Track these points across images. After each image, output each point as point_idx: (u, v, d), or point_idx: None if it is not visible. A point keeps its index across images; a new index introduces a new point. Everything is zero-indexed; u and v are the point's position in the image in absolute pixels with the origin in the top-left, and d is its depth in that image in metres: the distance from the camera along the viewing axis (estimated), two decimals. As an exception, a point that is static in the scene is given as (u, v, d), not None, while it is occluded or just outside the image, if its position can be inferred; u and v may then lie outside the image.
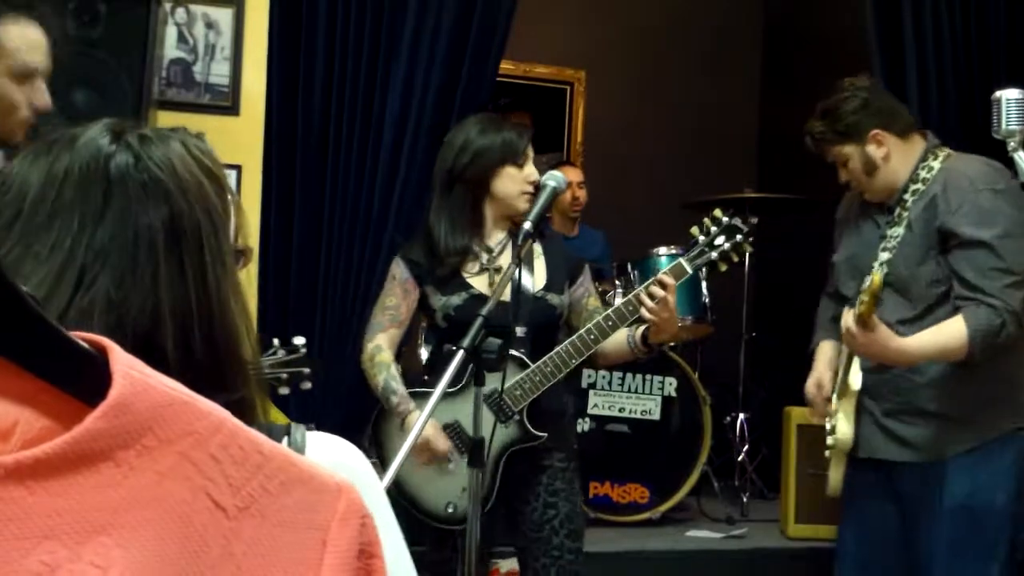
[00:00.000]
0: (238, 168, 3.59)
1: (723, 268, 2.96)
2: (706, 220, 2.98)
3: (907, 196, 2.91)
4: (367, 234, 3.80)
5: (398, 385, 2.87)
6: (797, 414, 4.58)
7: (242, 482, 0.75)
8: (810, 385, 3.12)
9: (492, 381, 2.81)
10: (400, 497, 2.87)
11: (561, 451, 2.94)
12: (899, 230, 2.90)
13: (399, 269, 2.97)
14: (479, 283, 2.91)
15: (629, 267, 4.73)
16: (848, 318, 2.73)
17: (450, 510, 2.86)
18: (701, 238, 2.95)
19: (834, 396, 3.05)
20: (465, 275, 2.92)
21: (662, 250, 4.87)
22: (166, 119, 3.56)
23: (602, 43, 6.73)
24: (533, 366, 2.84)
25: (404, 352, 4.39)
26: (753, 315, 5.43)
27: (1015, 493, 2.88)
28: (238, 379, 0.92)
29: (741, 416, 5.25)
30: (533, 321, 2.90)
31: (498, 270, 2.92)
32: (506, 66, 5.22)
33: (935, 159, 2.92)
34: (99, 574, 0.69)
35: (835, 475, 3.07)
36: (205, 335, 0.89)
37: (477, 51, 3.86)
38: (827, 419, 3.07)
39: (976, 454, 2.86)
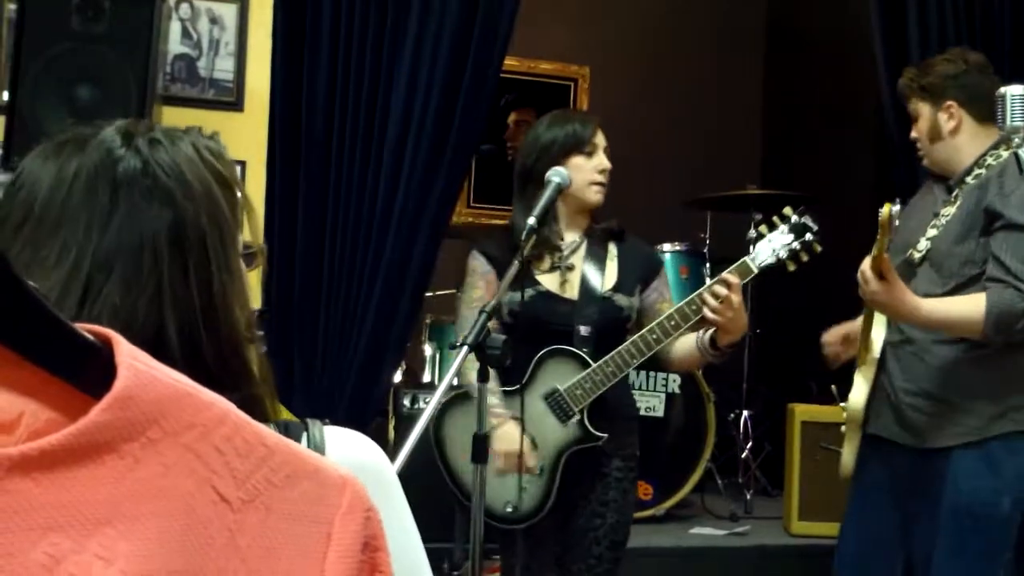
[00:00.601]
0: (242, 164, 3.59)
1: (791, 268, 2.92)
2: (775, 218, 2.94)
3: (969, 179, 2.90)
4: (371, 230, 3.80)
5: (492, 386, 2.74)
6: (801, 411, 4.58)
7: (247, 475, 0.75)
8: (832, 334, 3.17)
9: (553, 380, 2.82)
10: (465, 499, 2.84)
11: (621, 458, 2.92)
12: (951, 210, 2.89)
13: (478, 262, 2.95)
14: (548, 281, 2.91)
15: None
16: (865, 263, 2.71)
17: (508, 509, 2.84)
18: (770, 236, 2.91)
19: (857, 365, 3.05)
20: (536, 272, 2.91)
21: (666, 247, 4.88)
22: (170, 115, 3.56)
23: (606, 39, 6.73)
24: (594, 365, 2.82)
25: (407, 350, 4.40)
26: (757, 312, 5.42)
27: (1022, 501, 2.83)
28: (243, 379, 0.92)
29: (745, 413, 5.25)
30: (598, 321, 2.88)
31: (570, 268, 2.92)
32: (510, 62, 5.21)
33: (1007, 150, 2.87)
34: (104, 566, 0.69)
35: (848, 453, 3.04)
36: (210, 340, 0.90)
37: (481, 47, 3.85)
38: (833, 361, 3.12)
39: (978, 453, 2.81)
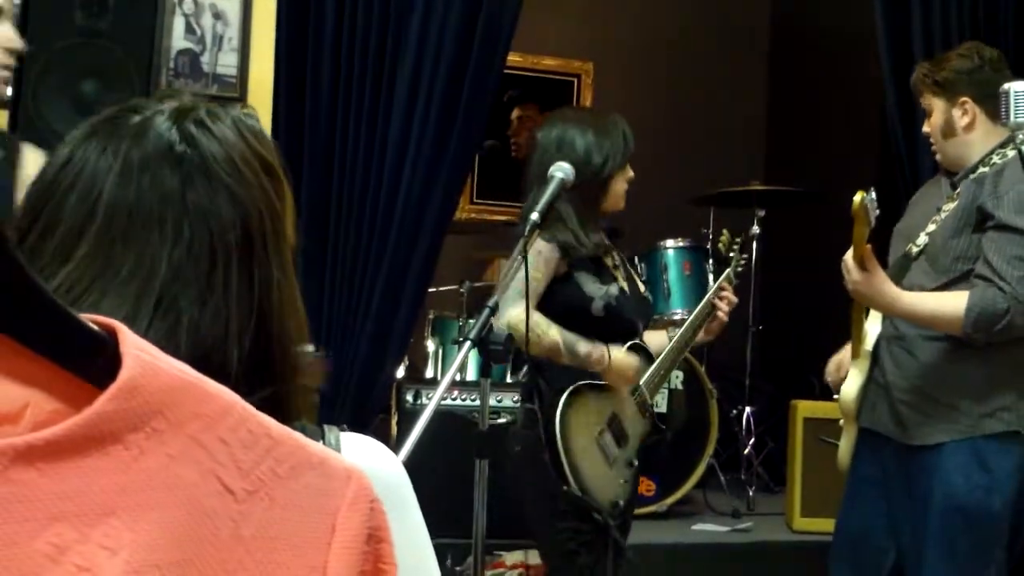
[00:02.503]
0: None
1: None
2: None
3: (972, 177, 2.90)
4: (374, 226, 3.80)
5: (575, 335, 2.80)
6: (804, 408, 4.58)
7: (251, 465, 0.75)
8: (831, 364, 3.15)
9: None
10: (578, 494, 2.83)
11: None
12: (951, 205, 2.90)
13: (548, 247, 2.80)
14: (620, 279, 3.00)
15: (636, 259, 4.73)
16: (848, 253, 2.73)
17: (620, 503, 2.87)
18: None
19: (851, 358, 3.06)
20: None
21: (669, 242, 4.87)
22: (174, 110, 3.56)
23: (610, 35, 6.72)
24: (658, 361, 2.96)
25: (411, 344, 4.41)
26: (760, 308, 5.43)
27: (1014, 500, 2.82)
28: (288, 378, 0.91)
29: (747, 409, 5.25)
30: (646, 318, 3.07)
31: (622, 264, 3.04)
32: (513, 58, 5.22)
33: (1012, 148, 2.84)
34: (108, 556, 0.69)
35: (844, 446, 3.07)
36: (266, 343, 0.88)
37: (484, 43, 3.85)
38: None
39: (968, 451, 2.80)
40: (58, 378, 0.73)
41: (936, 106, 2.95)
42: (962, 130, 2.92)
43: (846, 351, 3.10)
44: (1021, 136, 2.73)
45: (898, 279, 2.86)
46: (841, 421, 3.07)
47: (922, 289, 2.84)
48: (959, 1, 4.03)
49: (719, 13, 6.83)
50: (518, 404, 2.95)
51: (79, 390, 0.73)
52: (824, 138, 6.33)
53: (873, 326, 2.97)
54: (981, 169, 2.89)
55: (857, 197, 2.62)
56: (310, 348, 0.94)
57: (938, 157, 3.03)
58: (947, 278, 2.82)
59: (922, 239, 2.90)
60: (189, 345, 0.83)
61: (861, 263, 2.70)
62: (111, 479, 0.71)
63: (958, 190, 2.92)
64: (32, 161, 2.55)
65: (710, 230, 5.35)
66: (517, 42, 4.10)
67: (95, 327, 0.74)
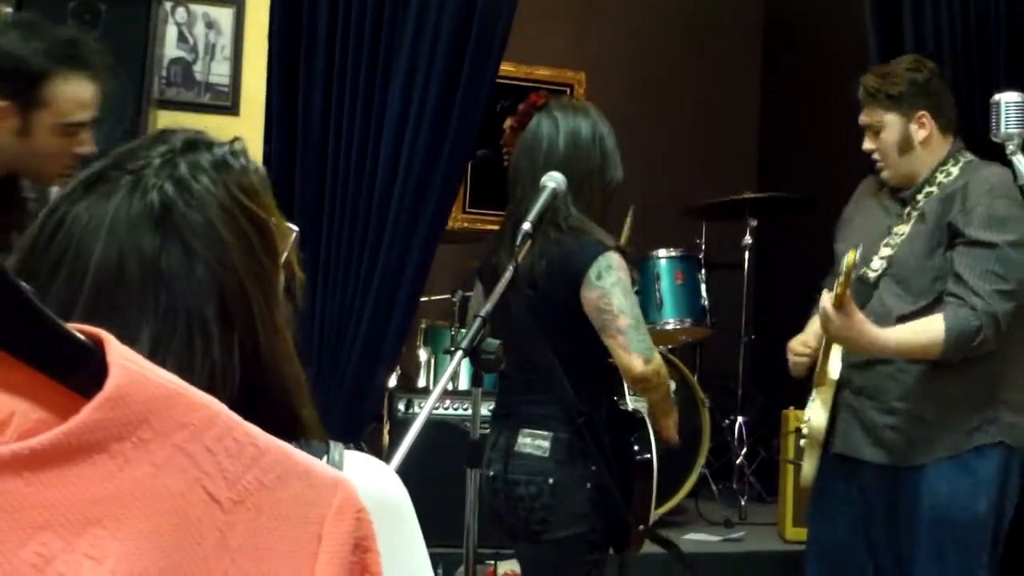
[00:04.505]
0: (237, 168, 3.59)
1: None
2: None
3: (920, 196, 2.88)
4: (367, 235, 3.80)
5: None
6: (795, 417, 4.57)
7: (237, 475, 0.75)
8: (794, 342, 3.11)
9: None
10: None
11: None
12: (905, 228, 2.87)
13: (621, 259, 2.63)
14: None
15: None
16: (825, 298, 2.68)
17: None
18: None
19: (814, 386, 3.03)
20: None
21: (661, 252, 4.88)
22: (166, 119, 3.56)
23: (602, 45, 6.74)
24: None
25: (403, 353, 4.40)
26: (752, 317, 5.43)
27: (997, 503, 2.84)
28: (292, 427, 0.92)
29: (740, 419, 5.24)
30: None
31: None
32: (506, 68, 5.22)
33: (955, 164, 2.88)
34: (94, 565, 0.69)
35: (808, 467, 3.04)
36: (259, 395, 0.89)
37: (477, 53, 3.86)
38: (796, 365, 3.09)
39: (953, 463, 2.82)
40: (44, 387, 0.73)
41: (889, 121, 2.88)
42: (919, 144, 2.89)
43: (806, 332, 3.09)
44: (1011, 147, 2.74)
45: (859, 305, 2.81)
46: (803, 442, 3.05)
47: (903, 315, 2.81)
48: (950, 5, 4.04)
49: (712, 23, 6.85)
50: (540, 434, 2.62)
51: (65, 399, 0.73)
52: (816, 146, 6.34)
53: (835, 356, 2.93)
54: (928, 188, 2.87)
55: (851, 255, 2.58)
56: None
57: (886, 174, 2.94)
58: (926, 300, 2.81)
59: (878, 263, 2.86)
60: None
61: (839, 306, 2.65)
62: (97, 488, 0.71)
63: (915, 209, 2.88)
64: None
65: (702, 239, 5.35)
66: (510, 52, 4.10)
67: (81, 337, 0.74)
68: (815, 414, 2.97)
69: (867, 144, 2.94)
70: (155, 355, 0.84)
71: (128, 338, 0.84)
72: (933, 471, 2.83)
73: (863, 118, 2.94)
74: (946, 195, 2.84)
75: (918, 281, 2.83)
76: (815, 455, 3.01)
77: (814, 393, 3.01)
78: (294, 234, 1.01)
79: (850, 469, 2.95)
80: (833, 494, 3.02)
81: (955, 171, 2.87)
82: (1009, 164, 2.70)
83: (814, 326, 3.03)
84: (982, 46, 4.04)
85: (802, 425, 3.04)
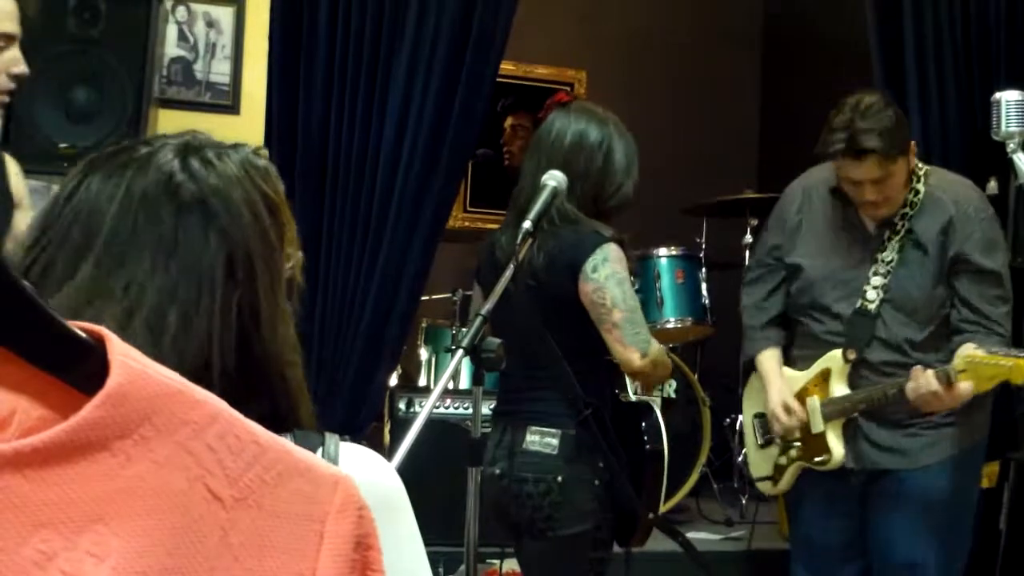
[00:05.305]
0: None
1: None
2: None
3: (897, 220, 2.86)
4: (367, 233, 3.80)
5: None
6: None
7: (239, 472, 0.75)
8: (778, 409, 2.98)
9: None
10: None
11: None
12: (892, 254, 2.86)
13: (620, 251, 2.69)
14: None
15: (629, 268, 4.73)
16: (932, 381, 2.67)
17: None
18: None
19: (816, 423, 2.96)
20: None
21: (662, 251, 4.87)
22: (166, 117, 3.56)
23: (603, 44, 6.74)
24: None
25: (404, 352, 4.40)
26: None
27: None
28: (282, 399, 0.94)
29: (741, 418, 5.24)
30: None
31: None
32: (507, 67, 5.22)
33: (918, 180, 2.87)
34: (95, 563, 0.69)
35: (789, 479, 3.09)
36: (252, 366, 0.91)
37: (478, 51, 3.86)
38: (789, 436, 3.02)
39: (954, 460, 2.91)
40: (46, 385, 0.73)
41: (900, 165, 2.78)
42: (910, 174, 2.85)
43: (782, 391, 3.01)
44: (1012, 145, 2.74)
45: (863, 336, 2.85)
46: (784, 461, 3.07)
47: (913, 342, 2.84)
48: (950, 4, 4.04)
49: (712, 22, 6.85)
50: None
51: (67, 396, 0.73)
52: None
53: (840, 380, 2.92)
54: (902, 210, 2.85)
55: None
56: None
57: (883, 212, 2.86)
58: (933, 326, 2.86)
59: (873, 293, 2.86)
60: (172, 358, 0.85)
61: (947, 383, 2.67)
62: (98, 486, 0.71)
63: (895, 232, 2.86)
64: (12, 171, 2.55)
65: (702, 239, 5.35)
66: (510, 51, 4.10)
67: (83, 334, 0.74)
68: (835, 448, 2.92)
69: (871, 195, 2.81)
70: (159, 307, 0.88)
71: (140, 283, 0.88)
72: (935, 470, 2.89)
73: (871, 172, 2.77)
74: (944, 224, 2.82)
75: (926, 310, 2.86)
76: (797, 471, 3.06)
77: (823, 428, 2.94)
78: (299, 258, 1.05)
79: (844, 473, 2.96)
80: (830, 495, 3.02)
81: (920, 186, 2.86)
82: (1009, 162, 2.71)
83: (774, 373, 3.06)
84: (982, 45, 4.03)
85: (815, 459, 2.97)
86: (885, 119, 2.75)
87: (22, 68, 2.38)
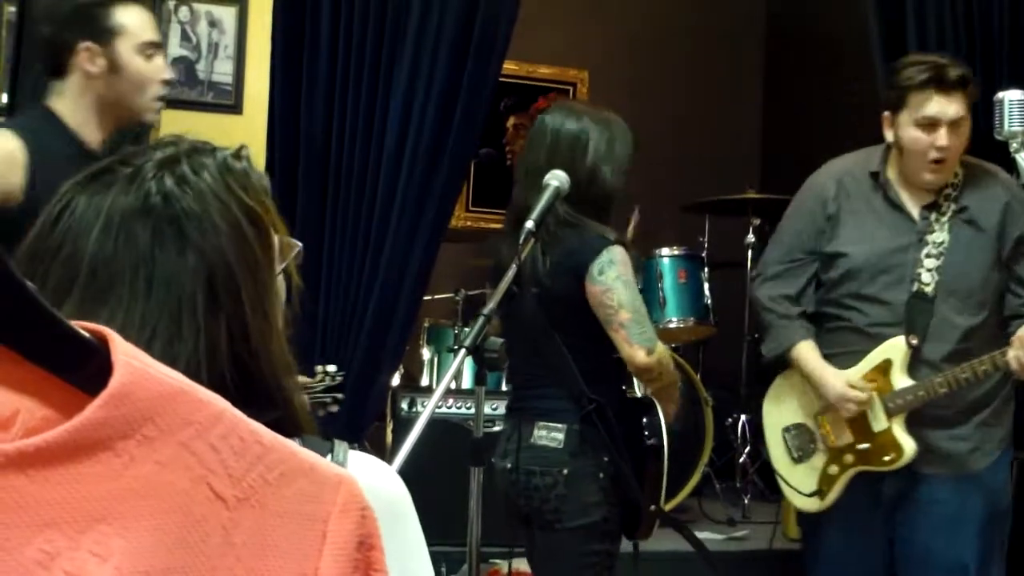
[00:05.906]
0: (240, 167, 3.59)
1: None
2: None
3: (942, 201, 2.82)
4: (370, 233, 3.80)
5: None
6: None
7: (242, 473, 0.76)
8: (848, 391, 2.84)
9: None
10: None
11: None
12: (943, 235, 2.80)
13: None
14: None
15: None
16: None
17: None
18: None
19: (878, 416, 2.87)
20: None
21: (664, 251, 4.87)
22: (168, 117, 3.55)
23: (605, 44, 6.73)
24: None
25: (406, 352, 4.40)
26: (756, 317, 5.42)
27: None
28: (278, 404, 0.94)
29: (743, 418, 5.24)
30: None
31: None
32: (509, 67, 5.21)
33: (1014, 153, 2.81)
34: (99, 563, 0.69)
35: (840, 489, 2.95)
36: (246, 383, 0.91)
37: (480, 51, 3.85)
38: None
39: (998, 463, 2.90)
40: (49, 385, 0.73)
41: (969, 120, 2.71)
42: None
43: (841, 374, 2.88)
44: (1015, 144, 2.74)
45: (923, 322, 2.78)
46: (835, 470, 2.96)
47: (973, 327, 2.79)
48: (952, 4, 4.04)
49: (714, 21, 6.84)
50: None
51: (70, 396, 0.73)
52: (820, 145, 6.34)
53: (901, 371, 2.82)
54: (946, 191, 2.81)
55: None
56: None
57: (941, 177, 2.78)
58: (988, 309, 2.81)
59: (928, 276, 2.78)
60: None
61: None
62: (102, 486, 0.71)
63: (942, 214, 2.82)
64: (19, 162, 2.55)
65: (705, 238, 5.35)
66: (513, 51, 4.10)
67: (86, 334, 0.74)
68: (905, 443, 2.81)
69: (946, 139, 2.70)
70: (143, 333, 0.87)
71: (122, 318, 0.87)
72: (983, 474, 2.87)
73: (952, 109, 2.69)
74: (1002, 206, 2.80)
75: (982, 293, 2.81)
76: (849, 479, 2.93)
77: (888, 423, 2.83)
78: (297, 249, 1.04)
79: (875, 478, 2.90)
80: (857, 505, 2.94)
81: (959, 168, 2.85)
82: (1012, 162, 2.71)
83: (818, 361, 2.91)
84: (985, 44, 4.03)
85: (884, 457, 2.85)
86: (948, 60, 2.75)
87: (171, 74, 2.55)
